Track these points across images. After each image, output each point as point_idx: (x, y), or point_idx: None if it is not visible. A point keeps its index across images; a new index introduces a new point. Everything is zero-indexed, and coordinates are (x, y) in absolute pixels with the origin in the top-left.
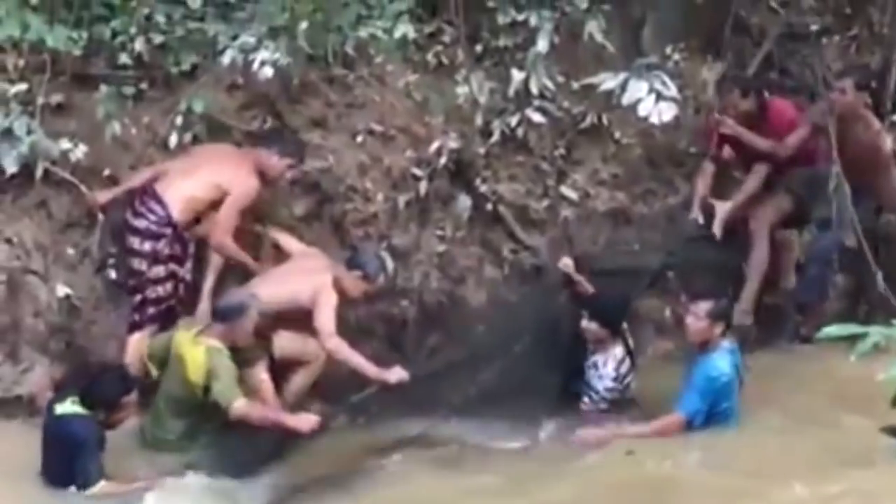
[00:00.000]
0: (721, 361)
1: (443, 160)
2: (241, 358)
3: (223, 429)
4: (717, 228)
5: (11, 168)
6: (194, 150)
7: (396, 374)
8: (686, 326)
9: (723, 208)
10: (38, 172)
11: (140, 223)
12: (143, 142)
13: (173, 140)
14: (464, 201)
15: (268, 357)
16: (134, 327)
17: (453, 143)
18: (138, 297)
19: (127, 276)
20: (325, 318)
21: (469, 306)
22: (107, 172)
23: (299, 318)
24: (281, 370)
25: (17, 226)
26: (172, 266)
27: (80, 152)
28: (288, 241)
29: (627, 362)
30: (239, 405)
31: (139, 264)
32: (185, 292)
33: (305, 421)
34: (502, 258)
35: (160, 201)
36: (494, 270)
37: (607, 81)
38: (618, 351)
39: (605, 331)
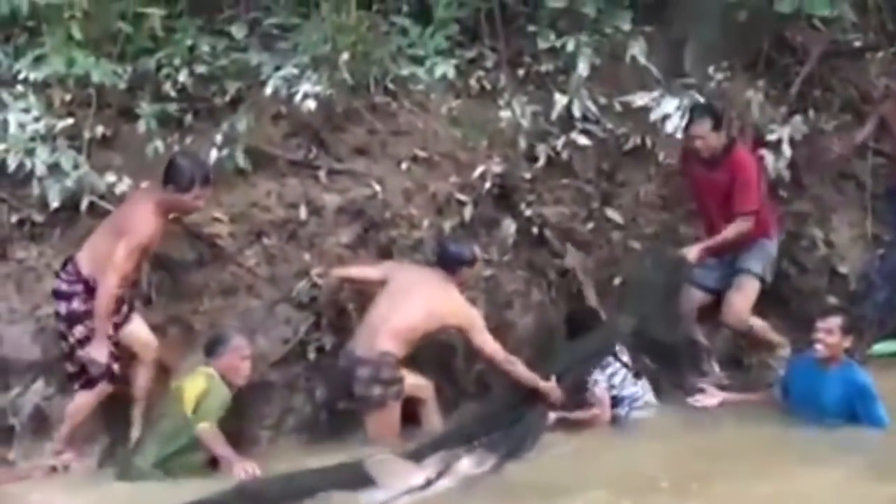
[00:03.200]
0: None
1: (487, 185)
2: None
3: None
4: (690, 256)
5: (58, 202)
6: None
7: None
8: (819, 342)
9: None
10: (84, 206)
11: (57, 285)
12: None
13: (216, 167)
14: (508, 225)
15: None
16: (83, 386)
17: (497, 168)
18: (73, 366)
19: (60, 340)
20: (492, 344)
21: (516, 330)
22: None
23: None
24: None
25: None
26: (91, 323)
27: (125, 185)
28: (358, 270)
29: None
30: (205, 427)
31: (64, 328)
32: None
33: (240, 467)
34: (549, 281)
35: (72, 260)
36: (541, 293)
37: (642, 98)
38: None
39: None
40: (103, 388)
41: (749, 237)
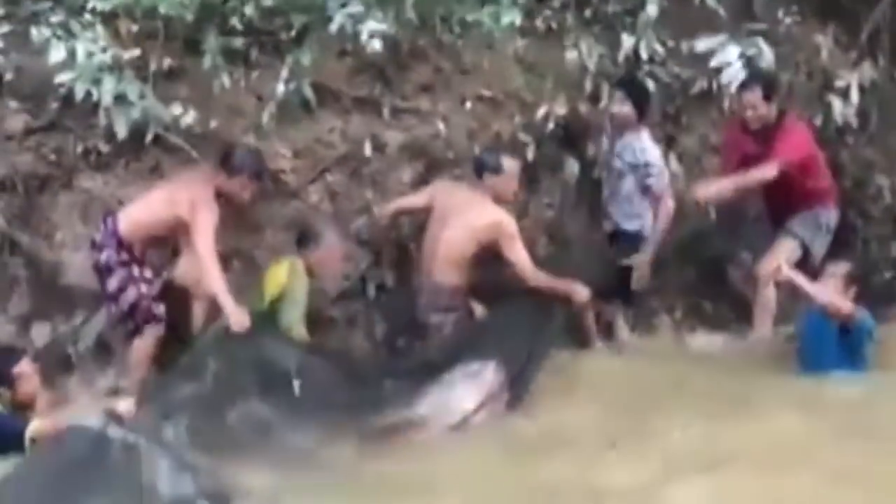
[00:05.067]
0: None
1: (551, 126)
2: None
3: None
4: (700, 193)
5: (124, 133)
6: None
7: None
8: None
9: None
10: (149, 137)
11: (93, 236)
12: (253, 106)
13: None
14: (572, 167)
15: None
16: (132, 335)
17: (561, 109)
18: (118, 311)
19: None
20: (523, 256)
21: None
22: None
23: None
24: None
25: (130, 190)
26: (123, 271)
27: (190, 117)
28: (406, 200)
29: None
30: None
31: (99, 279)
32: (158, 292)
33: None
34: None
35: (112, 215)
36: (602, 237)
37: (706, 44)
38: (645, 135)
39: (635, 112)
40: (153, 331)
41: (804, 205)
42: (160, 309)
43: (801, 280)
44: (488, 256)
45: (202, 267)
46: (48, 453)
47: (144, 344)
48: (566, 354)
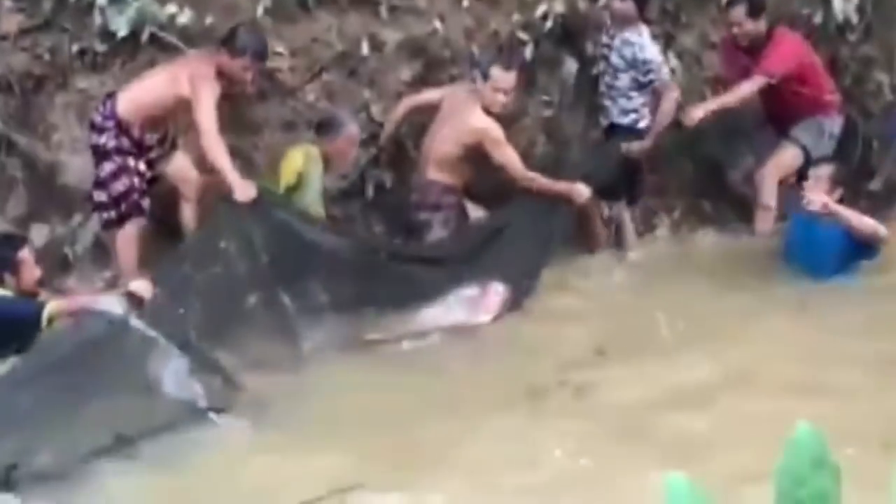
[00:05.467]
0: None
1: (549, 24)
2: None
3: None
4: (688, 120)
5: (121, 32)
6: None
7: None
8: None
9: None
10: (145, 36)
11: (93, 117)
12: (249, 3)
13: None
14: (570, 65)
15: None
16: (109, 225)
17: (560, 6)
18: (104, 197)
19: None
20: (512, 158)
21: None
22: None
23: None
24: None
25: None
26: (119, 159)
27: (185, 16)
28: (419, 96)
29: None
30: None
31: (94, 162)
32: (149, 184)
33: None
34: None
35: (112, 96)
36: (599, 134)
37: None
38: (644, 30)
39: (636, 7)
40: (136, 223)
41: (805, 112)
42: (146, 203)
43: (843, 211)
44: (481, 158)
45: (204, 142)
46: (63, 335)
47: (128, 235)
48: (570, 259)
